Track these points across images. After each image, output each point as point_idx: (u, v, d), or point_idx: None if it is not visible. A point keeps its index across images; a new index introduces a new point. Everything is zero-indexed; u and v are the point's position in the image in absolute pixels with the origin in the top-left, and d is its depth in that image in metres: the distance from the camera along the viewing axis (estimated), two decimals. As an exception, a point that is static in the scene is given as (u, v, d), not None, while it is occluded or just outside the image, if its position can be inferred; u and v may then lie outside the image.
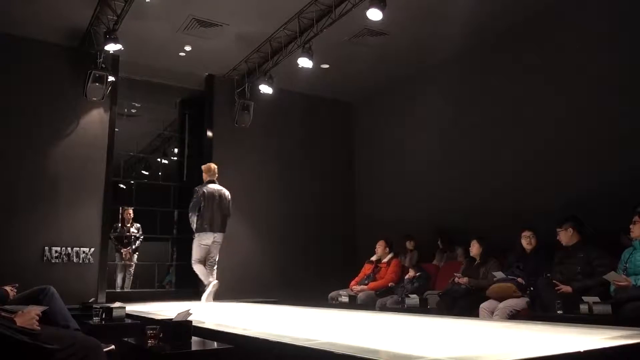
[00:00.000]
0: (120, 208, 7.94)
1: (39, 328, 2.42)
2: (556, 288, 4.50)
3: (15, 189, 6.64)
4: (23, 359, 2.30)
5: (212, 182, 6.47)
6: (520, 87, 6.57)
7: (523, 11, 6.38)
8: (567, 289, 4.46)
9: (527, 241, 5.18)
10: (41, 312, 2.59)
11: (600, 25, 5.78)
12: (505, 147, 6.67)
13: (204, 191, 6.33)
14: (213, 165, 6.60)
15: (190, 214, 6.38)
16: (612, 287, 4.22)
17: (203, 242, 6.38)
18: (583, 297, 4.15)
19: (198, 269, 6.40)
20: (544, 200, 5.96)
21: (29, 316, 2.45)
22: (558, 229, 4.80)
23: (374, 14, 5.78)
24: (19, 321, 2.40)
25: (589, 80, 5.81)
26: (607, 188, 5.36)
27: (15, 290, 3.74)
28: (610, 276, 4.19)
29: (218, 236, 6.41)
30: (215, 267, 6.52)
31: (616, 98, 5.55)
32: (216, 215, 6.34)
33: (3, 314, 2.52)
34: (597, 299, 4.06)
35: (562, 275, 4.62)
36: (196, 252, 6.40)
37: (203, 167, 6.61)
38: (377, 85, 8.68)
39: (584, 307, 4.08)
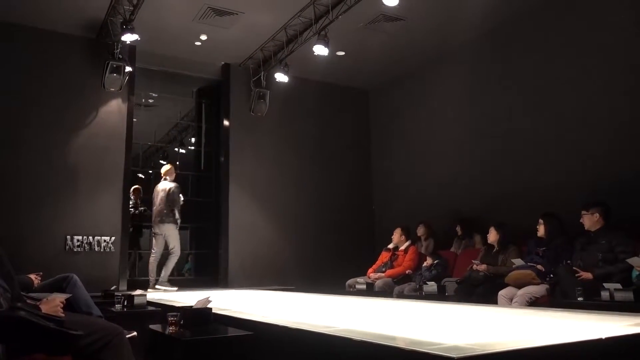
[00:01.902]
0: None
1: (63, 315, 2.47)
2: (576, 275, 4.45)
3: (36, 179, 6.75)
4: (49, 344, 2.36)
5: (165, 180, 7.16)
6: (542, 71, 6.43)
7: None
8: (587, 275, 4.40)
9: (539, 229, 5.13)
10: (65, 300, 2.64)
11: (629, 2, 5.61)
12: (525, 133, 6.56)
13: (153, 190, 7.22)
14: (166, 167, 7.30)
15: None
16: (635, 273, 4.16)
17: (154, 232, 7.11)
18: (604, 284, 4.10)
19: (151, 263, 7.09)
20: (565, 187, 5.87)
21: (54, 303, 2.50)
22: (584, 212, 4.71)
23: None
24: (44, 308, 2.45)
25: (614, 62, 5.66)
26: (631, 175, 5.24)
27: (40, 279, 3.83)
28: (634, 261, 4.12)
29: (164, 227, 6.99)
30: (174, 258, 7.02)
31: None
32: (160, 209, 6.98)
33: (29, 301, 2.58)
34: (618, 285, 4.01)
35: (583, 261, 4.56)
36: (153, 244, 7.13)
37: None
38: (394, 72, 8.59)
39: (605, 294, 4.04)
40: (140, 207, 7.84)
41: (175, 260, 7.06)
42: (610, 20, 5.75)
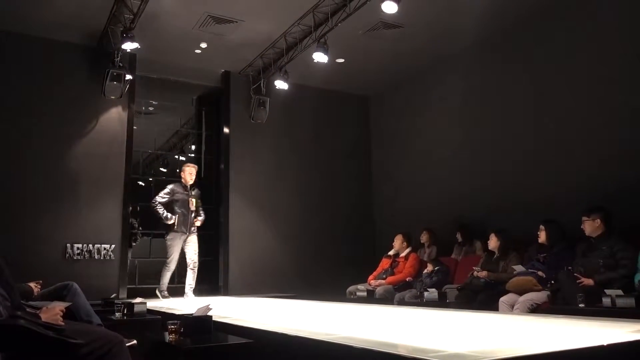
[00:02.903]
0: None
1: (63, 323, 2.46)
2: (578, 281, 4.44)
3: (37, 187, 6.75)
4: (48, 353, 2.35)
5: None
6: (542, 75, 6.43)
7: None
8: (588, 281, 4.40)
9: (540, 235, 5.12)
10: (65, 308, 2.63)
11: (632, 5, 5.61)
12: (526, 138, 6.56)
13: None
14: None
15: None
16: (638, 277, 4.14)
17: None
18: (605, 290, 4.09)
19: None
20: (566, 193, 5.86)
21: (54, 312, 2.49)
22: (585, 218, 4.70)
23: (389, 7, 5.74)
24: (44, 317, 2.44)
25: (614, 67, 5.66)
26: (632, 180, 5.24)
27: (40, 287, 3.82)
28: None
29: None
30: (163, 269, 6.81)
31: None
32: None
33: (28, 309, 2.57)
34: (620, 291, 4.00)
35: (584, 268, 4.55)
36: None
37: None
38: (394, 78, 8.61)
39: (606, 300, 4.03)
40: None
41: (166, 273, 6.72)
42: (610, 25, 5.76)
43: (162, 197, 6.69)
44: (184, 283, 6.85)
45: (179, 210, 6.69)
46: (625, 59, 5.58)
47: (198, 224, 6.83)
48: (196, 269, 6.81)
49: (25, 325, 2.29)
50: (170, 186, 6.82)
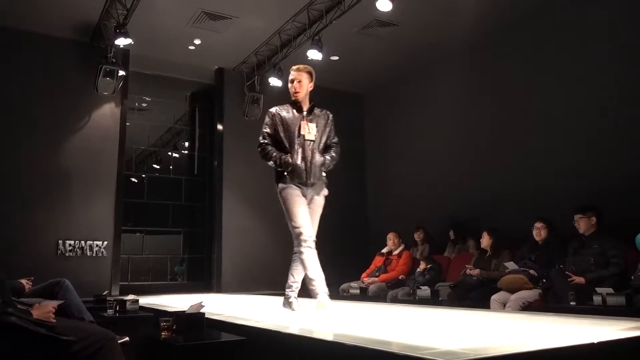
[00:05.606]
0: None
1: (54, 320, 2.45)
2: (569, 279, 4.48)
3: (29, 183, 6.71)
4: (40, 350, 2.34)
5: None
6: (535, 75, 6.47)
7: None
8: (580, 280, 4.43)
9: (536, 232, 5.13)
10: (57, 306, 2.62)
11: (623, 5, 5.65)
12: (519, 137, 6.59)
13: None
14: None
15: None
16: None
17: None
18: (596, 288, 4.13)
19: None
20: (558, 192, 5.89)
21: (46, 309, 2.49)
22: (581, 216, 4.72)
23: (384, 5, 5.75)
24: (36, 314, 2.43)
25: (609, 67, 5.70)
26: (626, 179, 5.27)
27: (31, 284, 3.81)
28: None
29: None
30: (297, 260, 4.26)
31: (638, 85, 5.44)
32: None
33: (20, 306, 2.56)
34: (610, 290, 4.04)
35: (576, 266, 4.58)
36: None
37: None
38: (388, 77, 8.62)
39: (597, 299, 4.06)
40: None
41: (295, 261, 4.19)
42: (605, 24, 5.79)
43: (264, 133, 4.09)
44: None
45: (287, 145, 3.92)
46: (620, 60, 5.61)
47: (324, 161, 4.09)
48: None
49: (16, 322, 2.28)
50: (271, 110, 4.12)
